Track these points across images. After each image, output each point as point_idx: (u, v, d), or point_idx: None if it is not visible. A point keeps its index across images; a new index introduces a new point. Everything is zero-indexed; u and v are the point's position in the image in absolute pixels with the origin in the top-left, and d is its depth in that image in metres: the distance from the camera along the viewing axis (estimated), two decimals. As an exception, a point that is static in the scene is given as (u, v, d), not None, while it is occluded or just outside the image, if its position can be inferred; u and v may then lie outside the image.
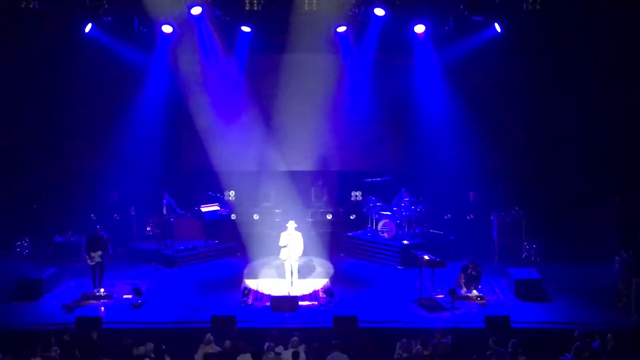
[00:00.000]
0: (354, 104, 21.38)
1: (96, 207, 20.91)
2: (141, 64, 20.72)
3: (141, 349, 13.48)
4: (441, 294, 17.06)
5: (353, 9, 19.80)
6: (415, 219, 20.61)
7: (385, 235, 20.38)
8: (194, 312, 16.46)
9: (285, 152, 21.55)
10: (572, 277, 18.37)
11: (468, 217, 21.36)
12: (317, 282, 18.18)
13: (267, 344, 13.72)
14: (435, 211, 21.07)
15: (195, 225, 20.86)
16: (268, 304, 16.68)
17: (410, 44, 20.69)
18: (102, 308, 16.76)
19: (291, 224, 17.68)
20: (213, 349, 13.67)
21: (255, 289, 17.67)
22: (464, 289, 17.10)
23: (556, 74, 20.69)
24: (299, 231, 17.76)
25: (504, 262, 19.22)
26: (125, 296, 17.27)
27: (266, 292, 17.51)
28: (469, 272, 17.27)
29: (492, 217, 20.56)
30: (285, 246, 17.55)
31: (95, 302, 17.04)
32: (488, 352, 13.30)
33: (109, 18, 19.34)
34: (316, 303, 17.05)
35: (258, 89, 21.41)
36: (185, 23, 19.92)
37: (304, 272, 18.45)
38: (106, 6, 18.96)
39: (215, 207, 20.64)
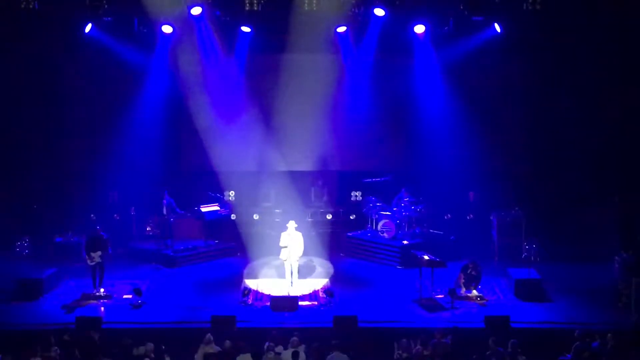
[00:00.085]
0: (354, 104, 21.39)
1: (96, 207, 20.91)
2: (141, 64, 20.72)
3: (141, 349, 13.48)
4: (441, 294, 17.07)
5: (353, 9, 19.81)
6: (415, 219, 20.62)
7: (385, 235, 20.38)
8: (194, 312, 16.46)
9: (285, 152, 21.55)
10: (572, 277, 18.37)
11: (468, 217, 21.37)
12: (317, 282, 18.18)
13: (267, 344, 13.73)
14: (435, 211, 21.08)
15: (195, 225, 20.87)
16: (268, 304, 16.69)
17: (410, 44, 20.70)
18: (102, 308, 16.77)
19: (291, 224, 17.69)
20: (213, 348, 13.68)
21: (255, 289, 17.68)
22: (463, 289, 17.11)
23: (556, 74, 20.69)
24: (299, 231, 17.77)
25: (503, 262, 19.23)
26: (125, 296, 17.27)
27: (266, 292, 17.52)
28: (468, 272, 17.27)
29: (492, 217, 20.57)
30: (285, 246, 17.55)
31: (95, 302, 17.04)
32: (488, 352, 13.31)
33: (109, 18, 19.34)
34: (316, 303, 17.05)
35: (258, 89, 21.41)
36: (185, 23, 19.93)
37: (304, 272, 18.45)
38: (106, 6, 18.96)
39: (215, 207, 20.65)
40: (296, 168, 21.70)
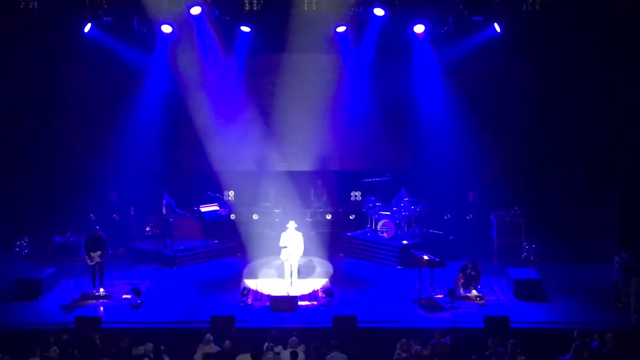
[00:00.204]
0: (354, 103, 21.38)
1: (96, 207, 20.90)
2: (140, 64, 20.72)
3: (140, 349, 13.46)
4: (440, 294, 17.06)
5: (352, 9, 19.79)
6: (415, 219, 20.62)
7: (385, 235, 20.38)
8: (193, 312, 16.46)
9: (285, 152, 21.54)
10: (572, 277, 18.37)
11: (467, 217, 21.38)
12: (317, 282, 18.17)
13: (266, 344, 13.72)
14: (435, 211, 21.08)
15: (194, 225, 20.88)
16: (267, 304, 16.69)
17: (410, 44, 20.70)
18: (101, 308, 16.77)
19: (291, 224, 17.68)
20: (212, 348, 13.67)
21: (255, 289, 17.67)
22: (462, 290, 17.09)
23: (556, 74, 20.65)
24: (299, 231, 17.76)
25: (503, 262, 19.23)
26: (124, 296, 17.27)
27: (265, 292, 17.51)
28: (468, 272, 17.27)
29: (491, 217, 20.55)
30: (285, 247, 17.54)
31: (94, 302, 17.04)
32: (487, 352, 13.30)
33: (109, 18, 19.34)
34: (315, 303, 17.05)
35: (257, 88, 21.42)
36: (184, 23, 19.91)
37: (304, 272, 18.44)
38: (105, 6, 18.95)
39: (214, 207, 20.66)
40: (296, 168, 21.70)
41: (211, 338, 13.81)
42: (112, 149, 20.94)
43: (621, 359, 13.56)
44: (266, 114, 21.35)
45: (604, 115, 20.36)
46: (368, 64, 21.09)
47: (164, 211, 20.17)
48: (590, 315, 16.11)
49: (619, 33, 19.64)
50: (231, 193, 21.76)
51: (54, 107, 20.91)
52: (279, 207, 21.20)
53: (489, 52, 20.38)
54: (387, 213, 20.42)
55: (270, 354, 13.35)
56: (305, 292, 17.53)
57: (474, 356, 13.19)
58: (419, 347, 13.53)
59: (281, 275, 17.99)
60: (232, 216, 21.37)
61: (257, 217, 21.43)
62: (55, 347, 13.35)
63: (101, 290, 17.33)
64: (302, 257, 17.91)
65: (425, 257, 17.07)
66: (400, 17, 19.78)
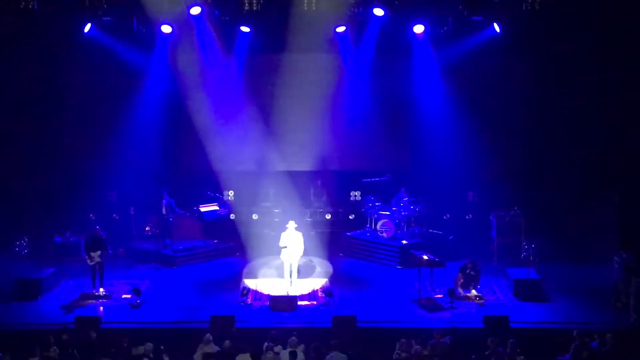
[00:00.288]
0: (353, 103, 21.38)
1: (95, 207, 20.91)
2: (140, 64, 20.71)
3: (140, 349, 13.47)
4: (440, 294, 17.06)
5: (352, 9, 19.79)
6: (414, 219, 20.62)
7: (384, 235, 20.38)
8: (193, 311, 16.46)
9: (285, 151, 21.54)
10: (571, 277, 18.37)
11: (467, 217, 21.38)
12: (316, 282, 18.17)
13: (266, 343, 13.73)
14: (434, 211, 21.08)
15: (194, 225, 20.88)
16: (267, 303, 16.70)
17: (410, 44, 20.69)
18: (101, 308, 16.77)
19: (291, 224, 17.69)
20: (212, 348, 13.67)
21: (254, 289, 17.68)
22: (462, 290, 17.10)
23: (556, 74, 20.65)
24: (299, 231, 17.76)
25: (503, 262, 19.23)
26: (124, 296, 17.27)
27: (265, 291, 17.51)
28: (467, 272, 17.27)
29: (491, 217, 20.55)
30: (285, 247, 17.54)
31: (94, 301, 17.05)
32: (487, 352, 13.30)
33: (108, 18, 19.32)
34: (315, 303, 17.05)
35: (257, 88, 21.42)
36: (184, 23, 19.91)
37: (304, 272, 18.45)
38: (105, 6, 18.95)
39: (214, 207, 20.66)
40: (295, 168, 21.70)
41: (211, 338, 13.82)
42: (112, 149, 20.94)
43: (621, 358, 13.56)
44: (266, 114, 21.36)
45: (604, 115, 20.34)
46: (368, 64, 21.09)
47: (163, 211, 20.17)
48: (589, 315, 16.11)
49: (619, 33, 19.63)
50: (231, 193, 21.77)
51: (54, 107, 20.90)
52: (279, 207, 21.21)
53: (488, 52, 20.37)
54: (387, 213, 20.43)
55: (269, 354, 13.36)
56: (305, 292, 17.53)
57: (473, 356, 13.20)
58: (418, 347, 13.53)
59: (281, 275, 18.00)
60: (232, 216, 21.38)
61: (256, 217, 21.43)
62: (55, 347, 13.38)
63: (101, 290, 17.33)
64: (302, 257, 17.92)
65: (425, 257, 17.07)
66: (400, 17, 19.78)
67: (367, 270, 19.71)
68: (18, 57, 20.17)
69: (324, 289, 17.62)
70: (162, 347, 13.56)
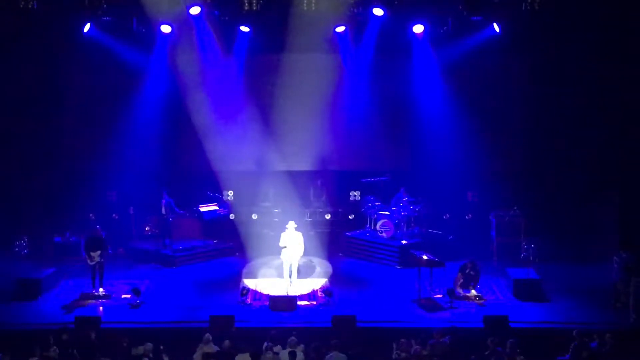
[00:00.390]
0: (353, 103, 21.38)
1: (95, 207, 20.91)
2: (140, 64, 20.70)
3: (140, 349, 13.47)
4: (440, 294, 17.07)
5: (352, 9, 19.77)
6: (414, 219, 20.62)
7: (384, 235, 20.39)
8: (193, 311, 16.46)
9: (284, 151, 21.54)
10: (571, 277, 18.38)
11: (467, 217, 21.39)
12: (316, 282, 18.17)
13: (265, 343, 13.73)
14: (434, 211, 21.09)
15: (194, 225, 20.91)
16: (267, 303, 16.70)
17: (409, 44, 20.69)
18: (101, 308, 16.77)
19: (291, 224, 17.69)
20: (212, 348, 13.68)
21: (254, 289, 17.68)
22: (461, 290, 17.10)
23: (555, 74, 20.65)
24: (299, 231, 17.76)
25: (502, 262, 19.25)
26: (123, 296, 17.28)
27: (265, 291, 17.52)
28: (467, 272, 17.27)
29: (490, 217, 20.55)
30: (285, 247, 17.54)
31: (93, 301, 17.05)
32: (486, 352, 13.30)
33: (108, 18, 19.32)
34: (315, 303, 17.05)
35: (257, 88, 21.42)
36: (184, 23, 19.90)
37: (303, 272, 18.45)
38: (105, 6, 18.93)
39: (213, 207, 20.67)
40: (295, 168, 21.70)
41: (210, 338, 13.82)
42: (112, 149, 20.93)
43: (620, 358, 13.56)
44: (266, 114, 21.35)
45: (604, 115, 20.34)
46: (367, 64, 21.08)
47: (163, 211, 20.17)
48: (589, 315, 16.12)
49: (619, 33, 19.63)
50: (230, 193, 21.77)
51: (54, 107, 20.89)
52: (279, 207, 21.21)
53: (488, 52, 20.37)
54: (387, 213, 20.43)
55: (269, 354, 13.36)
56: (305, 292, 17.54)
57: (473, 356, 13.19)
58: (418, 346, 13.53)
59: (280, 275, 18.00)
60: (232, 216, 21.38)
61: (256, 217, 21.42)
62: (55, 347, 13.38)
63: (101, 290, 17.33)
64: (301, 257, 17.92)
65: (425, 257, 17.07)
66: (400, 17, 19.77)
67: (366, 270, 19.71)
68: (18, 57, 20.16)
69: (324, 289, 17.61)
70: (161, 347, 13.56)
